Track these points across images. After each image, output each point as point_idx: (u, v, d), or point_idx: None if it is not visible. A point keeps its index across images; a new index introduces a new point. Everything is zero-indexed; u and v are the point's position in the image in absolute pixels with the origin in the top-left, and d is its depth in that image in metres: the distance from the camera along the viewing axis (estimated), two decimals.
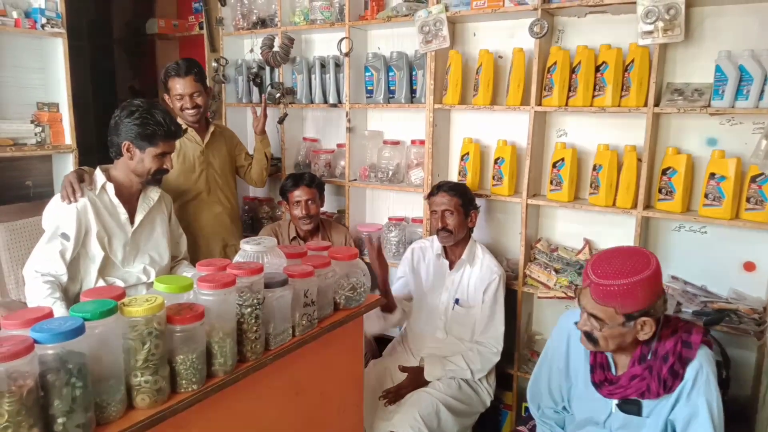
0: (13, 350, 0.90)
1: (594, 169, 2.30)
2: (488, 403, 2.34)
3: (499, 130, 2.64)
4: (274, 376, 1.43)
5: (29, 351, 0.93)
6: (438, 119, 2.67)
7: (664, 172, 2.17)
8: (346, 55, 2.82)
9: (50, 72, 2.74)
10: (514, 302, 2.50)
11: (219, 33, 3.32)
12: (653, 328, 1.44)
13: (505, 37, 2.56)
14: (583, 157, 2.43)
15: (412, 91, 2.78)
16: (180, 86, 2.49)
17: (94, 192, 1.95)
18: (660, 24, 2.02)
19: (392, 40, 2.90)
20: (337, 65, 2.95)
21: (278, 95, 3.03)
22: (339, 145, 3.13)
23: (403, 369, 2.31)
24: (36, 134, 2.63)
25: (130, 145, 1.93)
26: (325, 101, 3.01)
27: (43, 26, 2.59)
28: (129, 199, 2.03)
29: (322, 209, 2.87)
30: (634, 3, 2.07)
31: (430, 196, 2.41)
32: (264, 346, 1.39)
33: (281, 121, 3.06)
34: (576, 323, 1.54)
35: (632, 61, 2.17)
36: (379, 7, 2.80)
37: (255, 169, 2.84)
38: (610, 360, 1.59)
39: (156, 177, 2.04)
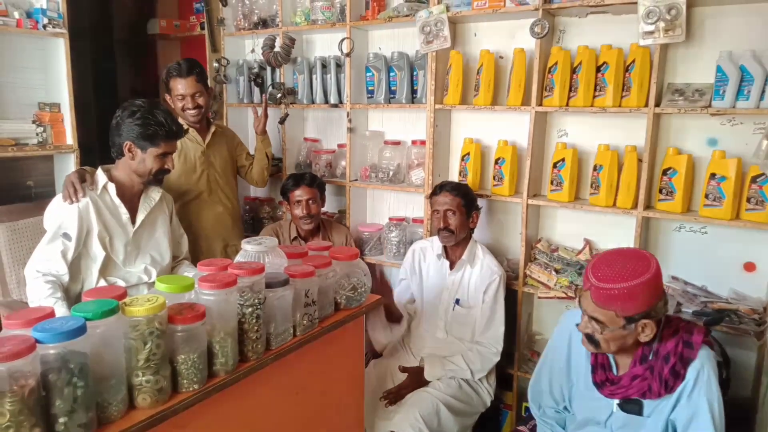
0: (15, 350, 0.91)
1: (594, 169, 2.31)
2: (488, 403, 2.34)
3: (499, 130, 2.64)
4: (275, 375, 1.44)
5: (31, 351, 0.93)
6: (439, 119, 2.67)
7: (664, 172, 2.17)
8: (347, 55, 2.82)
9: (52, 72, 2.74)
10: (514, 302, 2.50)
11: (220, 33, 3.33)
12: (654, 330, 1.44)
13: (506, 37, 2.56)
14: (583, 157, 2.43)
15: (413, 92, 2.78)
16: (181, 86, 2.50)
17: (95, 192, 1.95)
18: (661, 24, 2.02)
19: (393, 40, 2.90)
20: (338, 65, 2.95)
21: (279, 95, 3.03)
22: (340, 146, 3.13)
23: (404, 369, 2.32)
24: (37, 134, 2.63)
25: (132, 145, 1.94)
26: (326, 101, 3.01)
27: (44, 26, 2.59)
28: (130, 199, 2.03)
29: (323, 209, 2.87)
30: (635, 3, 2.07)
31: (433, 195, 2.41)
32: (265, 346, 1.39)
33: (282, 121, 3.06)
34: (577, 325, 1.54)
35: (633, 61, 2.17)
36: (380, 7, 2.81)
37: (256, 169, 2.85)
38: (612, 360, 1.59)
39: (157, 177, 2.04)
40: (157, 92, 3.98)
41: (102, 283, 1.95)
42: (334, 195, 3.18)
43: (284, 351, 1.42)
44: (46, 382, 0.97)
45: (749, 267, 2.17)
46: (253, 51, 3.40)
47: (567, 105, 2.32)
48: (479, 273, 2.35)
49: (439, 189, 2.39)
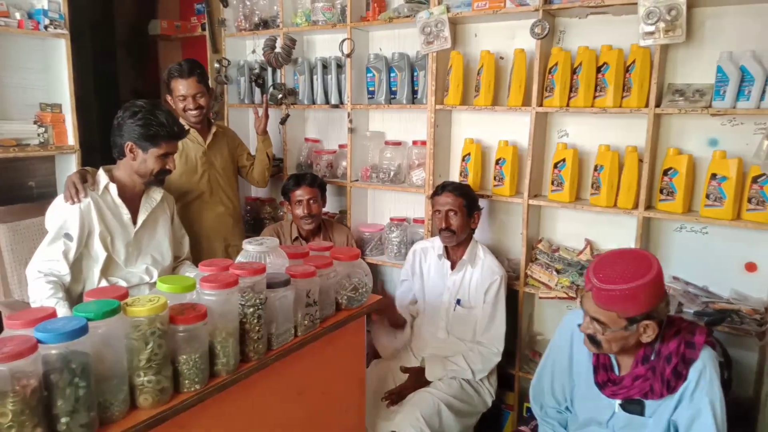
0: (17, 350, 0.91)
1: (595, 169, 2.31)
2: (490, 403, 2.34)
3: (500, 130, 2.64)
4: (277, 376, 1.44)
5: (33, 351, 0.93)
6: (439, 120, 2.68)
7: (665, 172, 2.17)
8: (348, 56, 2.82)
9: (53, 73, 2.75)
10: (515, 302, 2.50)
11: (221, 34, 3.33)
12: (656, 330, 1.44)
13: (507, 38, 2.56)
14: (584, 157, 2.43)
15: (414, 92, 2.78)
16: (183, 87, 2.50)
17: (97, 192, 1.95)
18: (661, 25, 2.03)
19: (394, 41, 2.90)
20: (339, 66, 2.95)
21: (280, 96, 3.03)
22: (341, 146, 3.14)
23: (405, 370, 2.32)
24: (39, 135, 2.64)
25: (133, 145, 1.94)
26: (327, 102, 3.01)
27: (46, 27, 2.60)
28: (132, 200, 2.03)
29: (324, 210, 2.88)
30: (636, 4, 2.07)
31: (434, 195, 2.41)
32: (266, 346, 1.39)
33: (283, 121, 3.06)
34: (579, 325, 1.54)
35: (633, 61, 2.17)
36: (381, 8, 2.81)
37: (257, 170, 2.85)
38: (613, 361, 1.59)
39: (159, 177, 2.05)
40: (158, 93, 3.98)
41: (103, 283, 1.95)
42: (335, 195, 3.18)
43: (285, 351, 1.43)
44: (48, 382, 0.97)
45: (750, 267, 2.17)
46: (254, 52, 3.40)
47: (567, 105, 2.32)
48: (480, 273, 2.35)
49: (440, 189, 2.39)
